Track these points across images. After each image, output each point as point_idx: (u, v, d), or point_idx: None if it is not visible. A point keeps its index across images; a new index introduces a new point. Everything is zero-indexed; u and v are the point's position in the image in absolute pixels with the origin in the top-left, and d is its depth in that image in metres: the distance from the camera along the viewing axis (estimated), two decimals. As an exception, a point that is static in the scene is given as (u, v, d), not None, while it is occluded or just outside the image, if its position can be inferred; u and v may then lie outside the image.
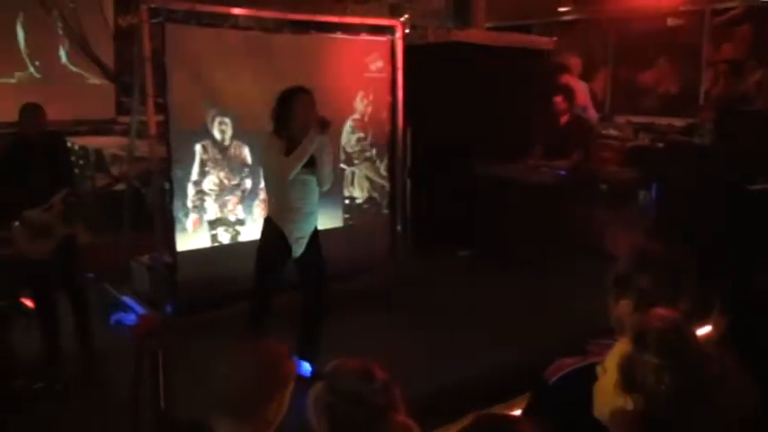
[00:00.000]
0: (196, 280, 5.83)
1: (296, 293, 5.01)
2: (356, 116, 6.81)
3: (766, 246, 6.13)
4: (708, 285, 2.62)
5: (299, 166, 4.49)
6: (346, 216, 6.88)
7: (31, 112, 4.82)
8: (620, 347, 1.65)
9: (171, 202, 5.76)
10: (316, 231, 4.84)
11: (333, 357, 2.06)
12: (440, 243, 7.53)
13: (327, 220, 6.64)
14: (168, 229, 5.80)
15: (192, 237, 5.92)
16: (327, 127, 4.55)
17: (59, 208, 4.81)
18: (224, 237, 6.09)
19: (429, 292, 6.67)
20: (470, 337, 5.54)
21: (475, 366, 4.92)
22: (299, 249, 4.73)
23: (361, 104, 6.81)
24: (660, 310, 1.78)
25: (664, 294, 2.05)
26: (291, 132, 4.52)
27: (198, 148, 5.87)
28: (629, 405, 1.59)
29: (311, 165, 4.58)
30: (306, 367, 4.73)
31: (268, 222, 4.77)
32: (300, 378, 4.67)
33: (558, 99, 7.54)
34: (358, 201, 6.96)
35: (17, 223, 4.72)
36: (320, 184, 4.72)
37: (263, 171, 4.84)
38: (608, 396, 1.66)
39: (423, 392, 4.10)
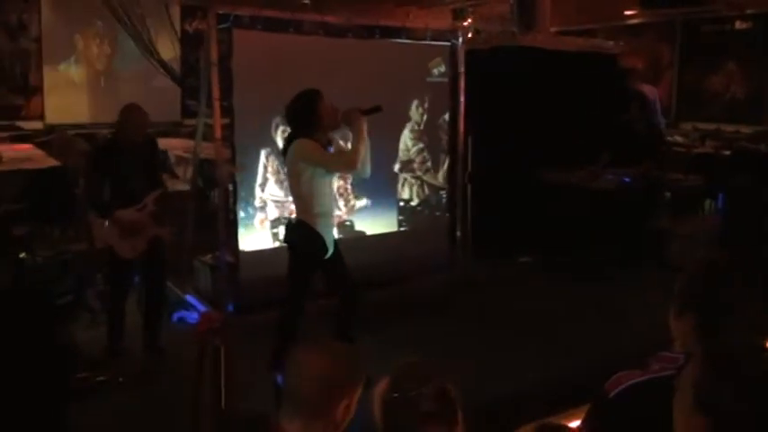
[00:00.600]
0: (258, 280, 5.91)
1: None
2: (415, 122, 6.82)
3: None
4: None
5: (368, 154, 4.57)
6: (401, 219, 6.90)
7: (134, 114, 4.98)
8: (693, 368, 1.61)
9: (235, 203, 5.87)
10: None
11: (388, 361, 2.08)
12: (500, 249, 7.49)
13: (384, 224, 6.70)
14: (231, 229, 5.91)
15: (256, 234, 6.02)
16: (380, 109, 4.65)
17: (151, 208, 4.98)
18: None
19: (488, 298, 6.65)
20: (528, 346, 5.50)
21: (533, 375, 4.89)
22: (331, 248, 4.78)
23: (417, 111, 6.82)
24: (732, 332, 1.76)
25: (731, 311, 2.00)
26: (322, 133, 4.62)
27: (262, 153, 5.96)
28: (702, 427, 1.54)
29: None
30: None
31: (303, 226, 4.71)
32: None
33: (633, 106, 7.42)
34: (413, 204, 6.98)
35: (107, 222, 4.88)
36: (362, 173, 4.74)
37: (306, 174, 4.58)
38: (683, 414, 1.61)
39: (480, 400, 4.09)
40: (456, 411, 1.96)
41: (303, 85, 5.97)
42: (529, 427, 2.01)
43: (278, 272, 5.95)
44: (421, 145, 6.90)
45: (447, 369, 2.04)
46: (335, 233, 4.93)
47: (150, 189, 5.03)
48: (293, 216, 5.04)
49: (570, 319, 6.07)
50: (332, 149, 4.70)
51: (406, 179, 6.89)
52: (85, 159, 5.58)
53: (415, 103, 6.81)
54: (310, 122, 4.57)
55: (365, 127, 4.52)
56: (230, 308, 5.90)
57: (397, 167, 6.80)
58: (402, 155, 6.83)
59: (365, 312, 5.92)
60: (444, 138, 7.06)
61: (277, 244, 6.11)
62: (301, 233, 4.73)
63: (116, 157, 4.95)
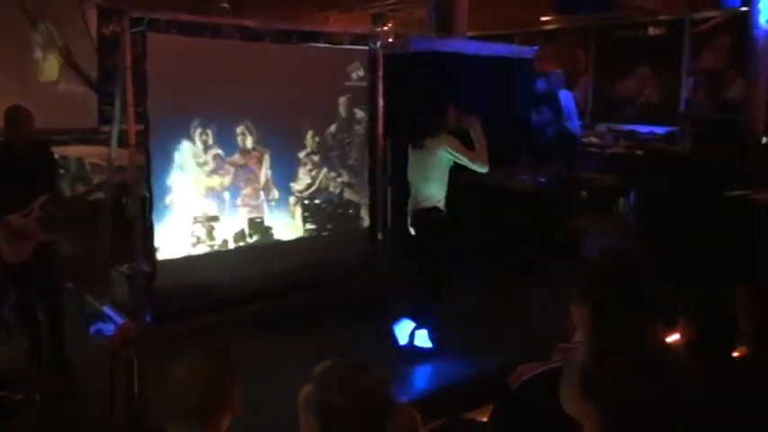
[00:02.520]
0: (175, 289, 5.83)
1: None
2: (334, 126, 6.81)
3: (741, 252, 6.20)
4: (679, 292, 2.66)
5: None
6: (326, 224, 6.87)
7: (18, 116, 4.83)
8: (580, 356, 1.63)
9: (150, 210, 5.76)
10: None
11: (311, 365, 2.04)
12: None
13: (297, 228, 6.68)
14: (147, 237, 5.79)
15: (171, 234, 5.90)
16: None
17: (38, 213, 4.83)
18: (200, 231, 6.05)
19: (407, 299, 6.66)
20: (448, 344, 5.55)
21: (453, 373, 4.94)
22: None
23: (342, 113, 6.82)
24: (621, 321, 1.80)
25: (624, 301, 2.06)
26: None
27: (177, 156, 5.87)
28: (591, 413, 1.57)
29: None
30: (424, 339, 5.33)
31: (436, 211, 5.47)
32: (421, 353, 4.92)
33: (545, 109, 7.60)
34: (337, 209, 6.96)
35: None
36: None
37: (450, 164, 5.44)
38: (572, 400, 1.63)
39: (401, 399, 4.10)
40: (388, 407, 1.90)
41: (221, 89, 5.96)
42: (439, 423, 2.03)
43: (197, 280, 5.93)
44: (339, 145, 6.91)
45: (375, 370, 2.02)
46: None
47: (41, 194, 4.88)
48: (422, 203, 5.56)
49: (489, 317, 6.16)
50: None
51: (325, 179, 6.86)
52: None
53: (340, 102, 6.81)
54: (441, 122, 5.44)
55: (480, 129, 5.40)
56: (148, 318, 5.79)
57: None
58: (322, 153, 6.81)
59: (290, 317, 5.95)
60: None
61: (198, 251, 6.04)
62: (436, 217, 5.48)
63: (4, 161, 4.81)
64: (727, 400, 2.12)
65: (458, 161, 5.36)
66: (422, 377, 5.07)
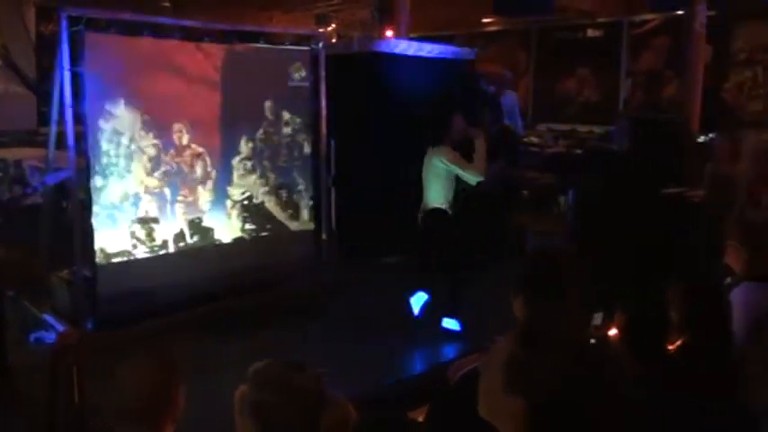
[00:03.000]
0: (117, 294, 5.74)
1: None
2: (261, 130, 6.80)
3: (677, 247, 6.37)
4: (615, 287, 2.73)
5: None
6: (265, 224, 6.84)
7: None
8: (505, 346, 1.60)
9: (90, 214, 5.66)
10: None
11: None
12: (366, 251, 7.57)
13: (256, 228, 6.66)
14: (87, 241, 5.70)
15: (111, 237, 5.81)
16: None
17: None
18: (140, 233, 5.96)
19: (353, 299, 6.71)
20: (393, 344, 5.59)
21: (396, 373, 4.97)
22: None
23: (268, 116, 6.82)
24: (549, 315, 1.83)
25: (553, 295, 2.11)
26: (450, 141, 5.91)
27: (116, 157, 5.78)
28: (517, 406, 1.53)
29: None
30: (453, 323, 5.76)
31: (437, 212, 5.92)
32: (451, 334, 5.22)
33: (485, 109, 7.70)
34: (280, 209, 6.94)
35: None
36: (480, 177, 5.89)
37: (447, 173, 5.88)
38: (493, 396, 1.61)
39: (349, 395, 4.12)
40: (322, 402, 1.90)
41: (160, 89, 5.90)
42: (371, 419, 2.02)
43: (138, 284, 5.85)
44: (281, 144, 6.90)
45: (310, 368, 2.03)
46: None
47: None
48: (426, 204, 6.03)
49: (435, 315, 6.20)
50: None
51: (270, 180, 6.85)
52: None
53: (282, 103, 6.80)
54: (443, 134, 5.90)
55: (483, 141, 5.84)
56: (89, 325, 5.69)
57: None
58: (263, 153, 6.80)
59: (234, 320, 5.92)
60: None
61: (138, 253, 5.97)
62: (437, 218, 5.93)
63: None
64: (660, 393, 2.18)
65: (453, 171, 5.81)
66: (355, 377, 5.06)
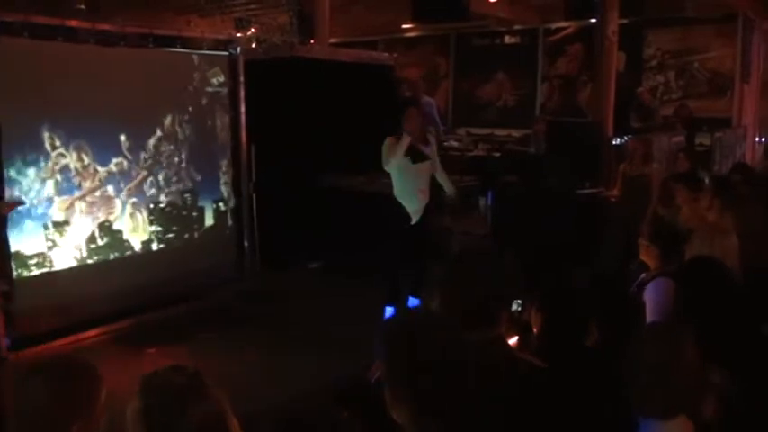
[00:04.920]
0: (37, 309, 5.55)
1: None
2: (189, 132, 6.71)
3: (591, 244, 6.57)
4: (530, 284, 2.79)
5: (387, 165, 5.94)
6: (171, 226, 6.68)
7: None
8: None
9: (5, 225, 5.46)
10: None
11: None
12: (289, 257, 7.54)
13: (169, 234, 6.55)
14: (4, 255, 5.49)
15: (27, 247, 5.64)
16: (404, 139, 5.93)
17: None
18: (54, 236, 5.78)
19: (276, 306, 6.66)
20: (313, 351, 5.53)
21: (314, 380, 4.93)
22: (414, 218, 6.04)
23: (202, 120, 6.74)
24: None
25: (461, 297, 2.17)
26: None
27: (27, 164, 5.62)
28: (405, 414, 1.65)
29: (423, 158, 5.97)
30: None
31: (396, 207, 6.06)
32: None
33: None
34: (182, 212, 6.79)
35: None
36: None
37: (393, 170, 6.01)
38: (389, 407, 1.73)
39: (254, 408, 4.09)
40: (199, 396, 1.91)
41: (74, 94, 5.75)
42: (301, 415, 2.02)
43: (57, 298, 5.67)
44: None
45: (225, 379, 2.01)
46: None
47: None
48: None
49: (355, 322, 6.20)
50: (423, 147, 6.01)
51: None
52: None
53: (199, 109, 6.72)
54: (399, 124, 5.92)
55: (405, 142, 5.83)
56: (7, 342, 5.48)
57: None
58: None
59: (156, 331, 5.82)
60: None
61: (56, 263, 5.81)
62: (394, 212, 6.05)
63: None
64: (575, 388, 2.23)
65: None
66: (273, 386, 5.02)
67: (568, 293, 2.88)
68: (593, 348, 2.81)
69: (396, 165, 5.90)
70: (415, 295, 6.16)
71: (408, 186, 6.00)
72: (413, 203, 6.02)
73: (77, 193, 5.92)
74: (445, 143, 10.87)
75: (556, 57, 12.10)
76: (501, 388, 1.66)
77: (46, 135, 5.68)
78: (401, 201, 6.03)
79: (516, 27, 12.30)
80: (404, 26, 12.61)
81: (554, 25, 11.97)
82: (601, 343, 2.85)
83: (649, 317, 3.30)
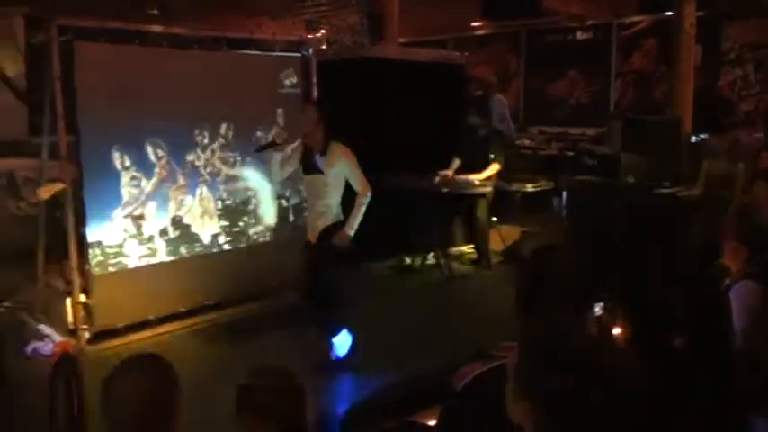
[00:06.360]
0: (114, 304, 5.73)
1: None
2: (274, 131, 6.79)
3: (669, 246, 6.39)
4: (612, 286, 2.73)
5: (271, 176, 5.63)
6: (237, 221, 6.78)
7: None
8: (512, 356, 1.66)
9: (84, 224, 5.64)
10: (326, 231, 5.11)
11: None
12: (358, 257, 7.54)
13: (235, 229, 6.63)
14: (82, 252, 5.68)
15: (106, 244, 5.83)
16: (270, 146, 5.30)
17: None
18: (130, 227, 5.98)
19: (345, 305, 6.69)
20: (385, 349, 5.56)
21: (394, 378, 4.94)
22: (312, 239, 5.20)
23: (276, 121, 6.81)
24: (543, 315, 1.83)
25: (551, 298, 2.12)
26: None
27: (108, 165, 5.80)
28: (527, 412, 1.58)
29: (315, 171, 5.07)
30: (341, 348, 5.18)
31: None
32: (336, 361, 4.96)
33: (473, 114, 7.72)
34: (270, 218, 6.94)
35: None
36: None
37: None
38: (509, 401, 1.66)
39: (340, 404, 4.12)
40: (297, 407, 1.95)
41: (147, 95, 5.88)
42: (389, 425, 2.05)
43: (134, 294, 5.83)
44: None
45: (310, 374, 2.05)
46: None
47: None
48: None
49: (428, 320, 6.20)
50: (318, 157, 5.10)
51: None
52: None
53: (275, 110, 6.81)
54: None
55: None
56: (86, 335, 5.67)
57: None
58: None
59: (229, 328, 5.91)
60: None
61: (140, 263, 5.97)
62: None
63: None
64: (667, 390, 2.18)
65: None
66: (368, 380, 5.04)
67: (655, 296, 2.83)
68: (681, 350, 2.74)
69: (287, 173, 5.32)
70: (331, 333, 5.23)
71: (308, 201, 5.43)
72: (311, 221, 5.27)
73: (150, 188, 6.08)
74: (517, 142, 10.76)
75: (630, 52, 11.83)
76: (622, 393, 1.62)
77: (122, 131, 5.85)
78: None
79: (589, 22, 12.08)
80: (473, 24, 12.52)
81: (627, 20, 11.71)
82: (686, 345, 2.79)
83: (736, 319, 3.20)
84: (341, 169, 5.07)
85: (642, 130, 8.28)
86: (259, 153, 5.42)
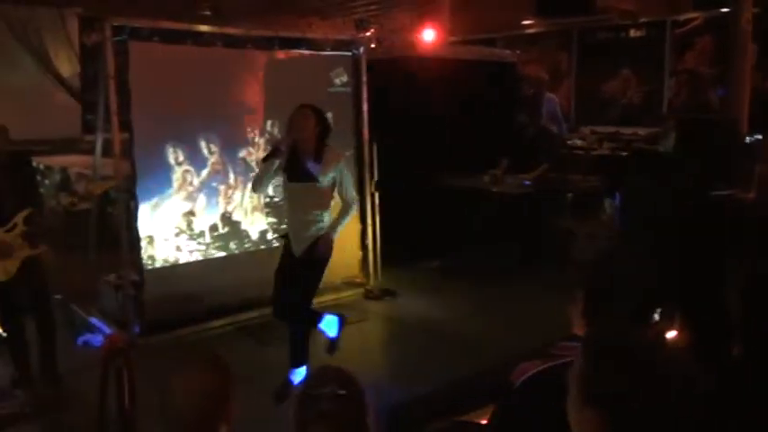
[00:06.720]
0: (164, 298, 5.82)
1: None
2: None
3: (727, 251, 6.22)
4: (669, 291, 2.67)
5: (259, 187, 4.90)
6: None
7: None
8: (577, 360, 1.62)
9: (136, 219, 5.73)
10: (315, 242, 4.80)
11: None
12: (408, 255, 7.54)
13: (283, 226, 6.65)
14: (134, 247, 5.77)
15: (157, 240, 5.93)
16: (275, 154, 4.71)
17: (21, 228, 4.75)
18: (181, 224, 6.06)
19: (399, 305, 6.69)
20: (440, 348, 5.56)
21: (445, 376, 4.93)
22: (297, 253, 4.82)
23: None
24: (611, 318, 1.79)
25: (616, 301, 2.07)
26: (292, 145, 4.69)
27: (161, 162, 5.88)
28: (594, 420, 1.55)
29: (302, 178, 4.70)
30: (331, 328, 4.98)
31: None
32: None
33: (522, 113, 7.66)
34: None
35: None
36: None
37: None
38: (572, 407, 1.63)
39: (393, 402, 4.10)
40: (360, 414, 1.93)
41: (203, 96, 5.95)
42: (439, 425, 2.02)
43: (185, 289, 5.90)
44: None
45: (361, 374, 2.03)
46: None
47: (22, 209, 4.80)
48: None
49: (481, 320, 6.17)
50: (312, 164, 4.72)
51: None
52: None
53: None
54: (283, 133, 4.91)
55: (268, 164, 4.75)
56: (136, 329, 5.75)
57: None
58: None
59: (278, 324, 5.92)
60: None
61: (191, 258, 6.05)
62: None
63: None
64: (727, 396, 2.13)
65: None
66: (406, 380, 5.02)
67: (716, 303, 2.75)
68: (738, 357, 2.68)
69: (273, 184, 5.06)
70: (295, 361, 4.87)
71: (289, 211, 4.98)
72: (296, 231, 4.87)
73: (203, 179, 6.16)
74: (569, 142, 10.62)
75: (684, 50, 11.58)
76: (690, 400, 1.57)
77: (176, 128, 5.95)
78: (286, 229, 5.01)
79: (642, 20, 11.86)
80: (524, 22, 12.39)
81: (682, 17, 11.47)
82: (744, 350, 2.72)
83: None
84: (336, 175, 4.78)
85: (697, 131, 8.10)
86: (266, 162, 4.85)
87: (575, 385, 1.57)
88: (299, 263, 4.80)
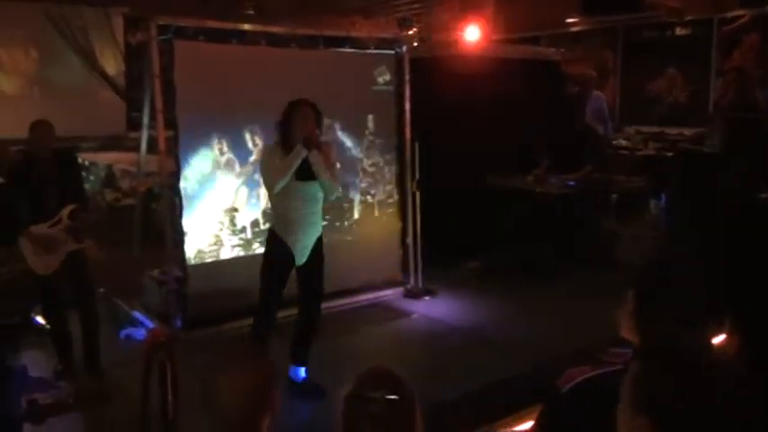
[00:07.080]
0: (207, 294, 5.86)
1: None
2: (368, 130, 6.82)
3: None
4: (717, 295, 2.60)
5: (282, 181, 4.55)
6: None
7: (41, 129, 4.83)
8: (631, 367, 1.58)
9: (180, 215, 5.78)
10: (319, 241, 4.82)
11: (343, 368, 2.05)
12: (449, 255, 7.50)
13: (336, 233, 6.66)
14: (178, 243, 5.82)
15: (200, 236, 5.97)
16: (311, 144, 4.56)
17: (66, 223, 4.83)
18: (224, 219, 6.11)
19: (440, 305, 6.66)
20: (482, 349, 5.52)
21: (486, 378, 4.90)
22: (302, 258, 4.77)
23: (367, 118, 6.84)
24: (664, 323, 1.75)
25: (670, 306, 2.03)
26: (293, 143, 4.56)
27: (204, 160, 5.92)
28: (640, 425, 1.51)
29: (311, 176, 4.60)
30: (300, 372, 4.85)
31: (272, 233, 4.82)
32: (293, 383, 4.63)
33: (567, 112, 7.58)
34: (356, 214, 6.93)
35: (23, 238, 4.76)
36: (324, 197, 4.78)
37: (264, 182, 4.91)
38: (625, 414, 1.58)
39: (434, 403, 4.08)
40: (409, 417, 1.92)
41: (247, 95, 5.98)
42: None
43: (228, 285, 5.93)
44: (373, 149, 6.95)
45: (405, 375, 2.01)
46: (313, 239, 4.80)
47: (67, 204, 4.86)
48: None
49: (522, 322, 6.12)
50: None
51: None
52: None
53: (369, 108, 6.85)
54: (282, 130, 4.66)
55: (299, 155, 4.53)
56: (178, 323, 5.81)
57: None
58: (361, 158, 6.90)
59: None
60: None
61: (233, 254, 6.09)
62: (268, 239, 4.87)
63: (30, 173, 4.82)
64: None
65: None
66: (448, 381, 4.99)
67: (764, 304, 2.67)
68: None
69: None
70: (295, 361, 4.89)
71: (291, 212, 4.70)
72: (298, 235, 4.71)
73: (242, 172, 6.18)
74: (614, 142, 10.48)
75: (731, 48, 11.36)
76: (744, 411, 1.53)
77: (220, 125, 5.98)
78: (279, 233, 4.75)
79: (688, 18, 11.65)
80: (568, 20, 12.26)
81: (729, 14, 11.25)
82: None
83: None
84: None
85: (744, 131, 7.94)
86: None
87: (628, 393, 1.53)
88: (308, 270, 4.82)
